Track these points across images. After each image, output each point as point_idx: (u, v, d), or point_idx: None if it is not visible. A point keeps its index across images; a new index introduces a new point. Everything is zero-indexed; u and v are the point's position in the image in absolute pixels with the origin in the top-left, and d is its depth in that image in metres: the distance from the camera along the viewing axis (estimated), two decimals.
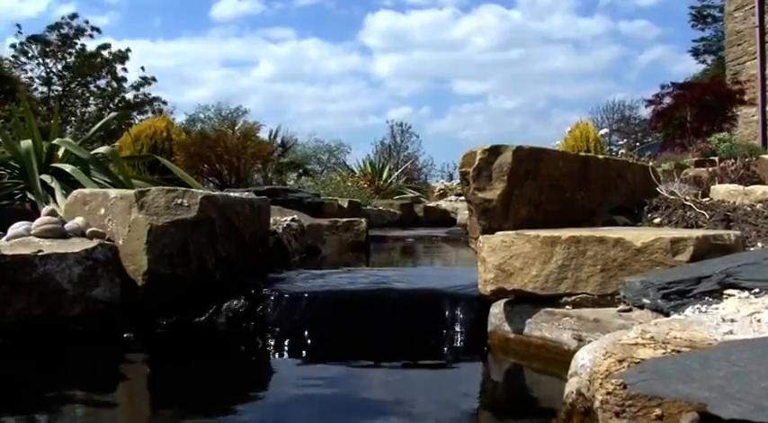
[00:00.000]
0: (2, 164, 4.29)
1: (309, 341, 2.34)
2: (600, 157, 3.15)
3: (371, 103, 50.89)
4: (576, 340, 1.86)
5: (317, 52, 51.79)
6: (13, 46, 21.49)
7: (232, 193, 3.54)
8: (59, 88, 22.70)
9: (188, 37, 53.24)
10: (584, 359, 1.23)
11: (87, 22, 22.48)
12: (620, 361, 1.13)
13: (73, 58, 22.35)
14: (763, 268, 1.64)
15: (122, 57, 22.56)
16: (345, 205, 7.00)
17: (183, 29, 55.50)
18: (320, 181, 11.88)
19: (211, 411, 1.69)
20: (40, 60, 22.18)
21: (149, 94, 23.26)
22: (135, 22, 46.99)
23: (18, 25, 22.25)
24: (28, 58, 22.00)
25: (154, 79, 23.15)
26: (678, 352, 1.15)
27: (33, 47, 21.92)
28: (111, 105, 22.12)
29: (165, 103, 23.20)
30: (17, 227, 2.57)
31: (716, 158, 8.52)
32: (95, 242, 2.49)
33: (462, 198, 4.64)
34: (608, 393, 1.04)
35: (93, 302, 2.39)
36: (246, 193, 3.92)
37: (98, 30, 22.53)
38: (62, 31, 22.06)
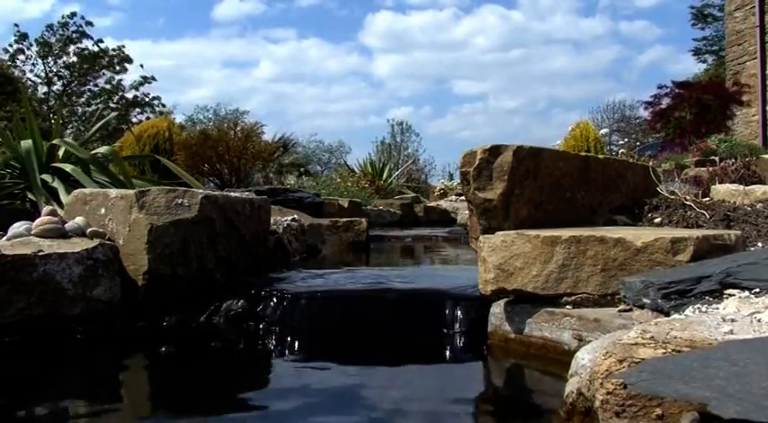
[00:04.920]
0: (3, 164, 4.29)
1: (310, 341, 2.34)
2: (600, 156, 3.15)
3: (372, 104, 51.02)
4: (576, 340, 1.86)
5: (318, 52, 51.96)
6: (10, 46, 21.52)
7: (232, 193, 3.54)
8: (60, 88, 22.71)
9: (190, 37, 53.40)
10: (584, 359, 1.23)
11: (83, 18, 22.49)
12: (621, 361, 1.13)
13: (73, 58, 22.36)
14: (764, 268, 1.64)
15: (123, 57, 22.58)
16: (346, 205, 7.01)
17: (185, 29, 55.73)
18: (321, 181, 11.89)
19: (211, 411, 1.69)
20: (40, 60, 22.19)
21: (149, 93, 23.30)
22: (138, 23, 47.19)
23: (16, 24, 22.26)
24: (27, 57, 22.03)
25: (153, 79, 23.19)
26: (678, 352, 1.15)
27: (33, 48, 21.95)
28: (112, 104, 22.13)
29: (163, 105, 23.22)
30: (17, 227, 2.57)
31: (716, 158, 8.52)
32: (96, 242, 2.49)
33: (462, 198, 4.64)
34: (608, 393, 1.04)
35: (93, 302, 2.40)
36: (247, 193, 3.92)
37: (91, 23, 22.50)
38: (62, 32, 22.07)
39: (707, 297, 1.60)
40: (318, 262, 4.35)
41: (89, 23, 22.43)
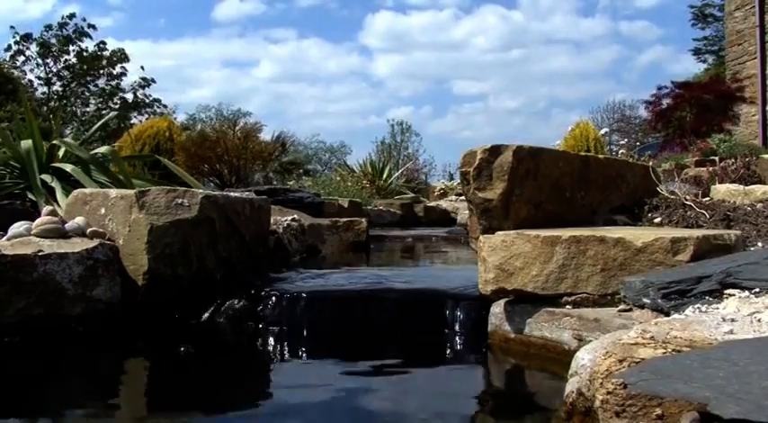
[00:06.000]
0: (2, 164, 4.29)
1: (309, 341, 2.34)
2: (600, 156, 3.15)
3: (372, 104, 51.03)
4: (576, 340, 1.86)
5: (318, 52, 51.96)
6: (8, 47, 21.54)
7: (232, 193, 3.54)
8: (59, 88, 22.70)
9: (190, 37, 53.50)
10: (584, 359, 1.23)
11: (85, 20, 22.51)
12: (621, 361, 1.13)
13: (73, 58, 22.36)
14: (764, 268, 1.64)
15: (121, 57, 22.58)
16: (346, 205, 7.00)
17: (185, 29, 55.87)
18: (320, 181, 11.87)
19: (212, 411, 1.69)
20: (40, 61, 22.20)
21: (149, 95, 23.30)
22: (138, 23, 47.25)
23: (12, 27, 22.23)
24: (26, 57, 22.03)
25: (153, 81, 23.19)
26: (678, 352, 1.15)
27: (32, 48, 21.96)
28: (111, 105, 22.12)
29: (164, 106, 23.19)
30: (17, 227, 2.57)
31: (716, 158, 8.54)
32: (96, 242, 2.49)
33: (463, 198, 4.64)
34: (608, 393, 1.04)
35: (93, 302, 2.39)
36: (247, 193, 3.92)
37: (94, 26, 22.53)
38: (62, 32, 22.07)
39: (707, 297, 1.61)
40: (318, 262, 4.35)
41: (91, 26, 22.45)
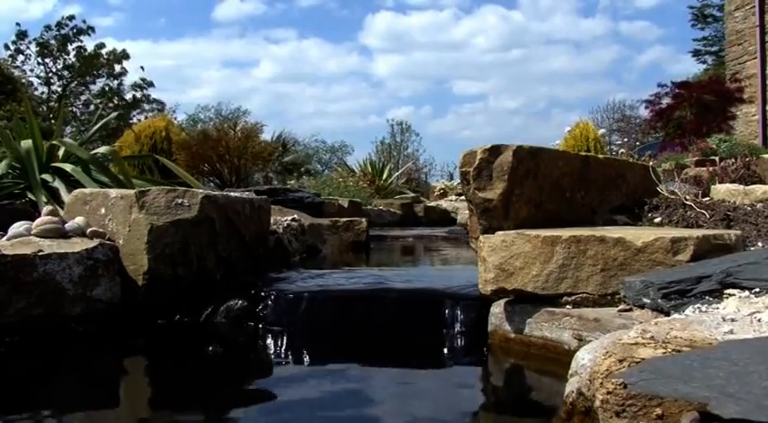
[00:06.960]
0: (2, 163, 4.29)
1: (309, 341, 2.34)
2: (600, 156, 3.15)
3: (372, 104, 50.99)
4: (576, 340, 1.86)
5: (318, 52, 51.94)
6: (6, 46, 21.54)
7: (232, 193, 3.54)
8: (59, 88, 22.70)
9: (190, 37, 53.48)
10: (584, 359, 1.23)
11: (85, 22, 22.54)
12: (621, 360, 1.13)
13: (72, 58, 22.37)
14: (764, 268, 1.64)
15: (121, 57, 22.59)
16: (346, 205, 7.00)
17: (185, 29, 55.86)
18: (320, 181, 11.88)
19: (211, 412, 1.69)
20: (39, 60, 22.21)
21: (149, 95, 23.31)
22: (138, 23, 47.25)
23: (18, 24, 22.29)
24: (26, 57, 22.05)
25: (152, 84, 23.20)
26: (678, 351, 1.15)
27: (32, 48, 21.97)
28: (111, 105, 22.12)
29: (162, 103, 23.18)
30: (17, 227, 2.57)
31: (716, 158, 8.54)
32: (96, 242, 2.49)
33: (462, 198, 4.64)
34: (608, 393, 1.04)
35: (93, 302, 2.40)
36: (247, 193, 3.92)
37: (93, 29, 22.56)
38: (61, 32, 22.09)
39: (707, 297, 1.61)
40: (318, 262, 4.35)
41: (90, 28, 22.47)
